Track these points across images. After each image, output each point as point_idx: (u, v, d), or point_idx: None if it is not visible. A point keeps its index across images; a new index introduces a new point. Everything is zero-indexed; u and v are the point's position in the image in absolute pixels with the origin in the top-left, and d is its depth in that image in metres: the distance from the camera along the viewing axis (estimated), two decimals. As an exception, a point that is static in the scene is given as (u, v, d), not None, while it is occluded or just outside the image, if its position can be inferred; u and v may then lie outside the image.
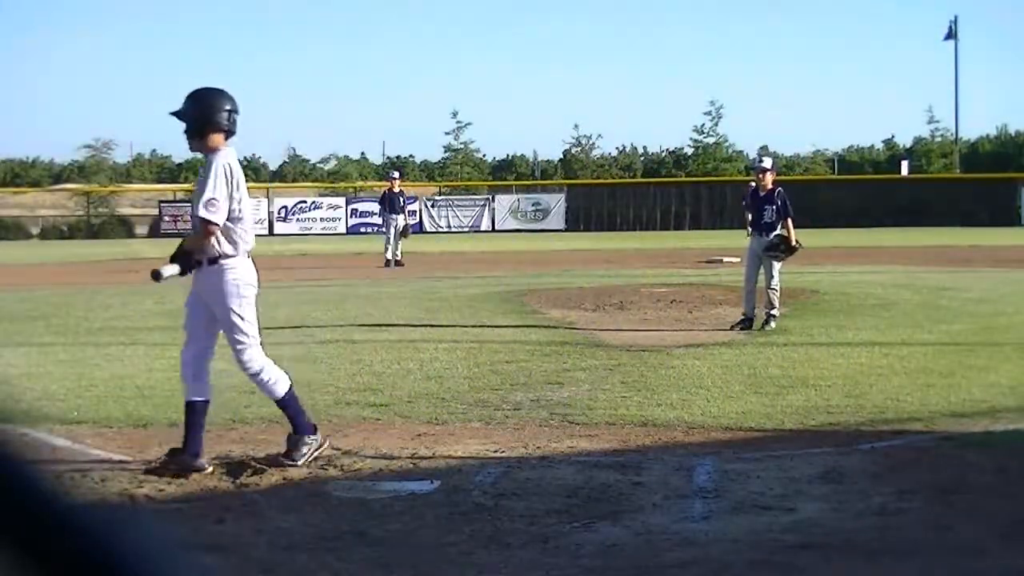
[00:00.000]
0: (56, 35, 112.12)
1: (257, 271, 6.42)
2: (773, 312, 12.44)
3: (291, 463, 6.11)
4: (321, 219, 49.81)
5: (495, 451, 6.53)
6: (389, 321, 13.47)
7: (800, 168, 67.84)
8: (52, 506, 0.92)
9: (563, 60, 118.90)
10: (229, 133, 6.27)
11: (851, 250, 29.75)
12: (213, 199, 6.08)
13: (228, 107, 6.25)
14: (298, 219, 49.63)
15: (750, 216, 13.04)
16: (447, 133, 69.10)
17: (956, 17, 59.79)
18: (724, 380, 8.91)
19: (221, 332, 6.41)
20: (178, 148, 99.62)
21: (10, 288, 19.50)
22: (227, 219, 6.11)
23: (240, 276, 6.23)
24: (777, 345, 10.96)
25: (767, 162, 13.25)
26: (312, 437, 6.26)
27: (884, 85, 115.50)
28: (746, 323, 12.34)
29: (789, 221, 12.74)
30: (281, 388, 6.32)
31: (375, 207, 33.76)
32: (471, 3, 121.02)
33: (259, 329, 6.41)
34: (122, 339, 11.85)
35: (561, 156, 70.79)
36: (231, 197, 6.12)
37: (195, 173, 62.92)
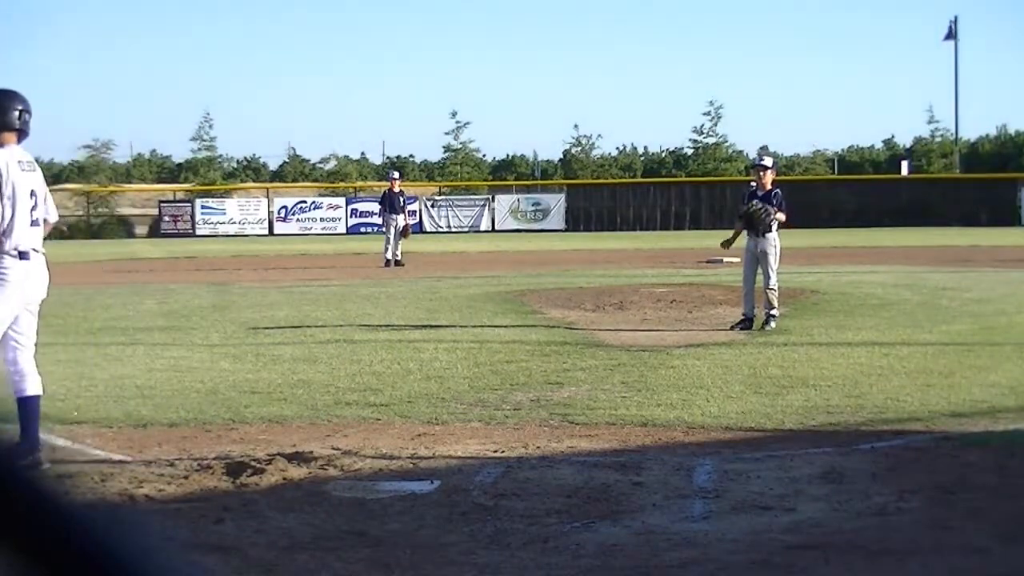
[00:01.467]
0: (56, 35, 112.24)
1: (49, 273, 6.43)
2: (772, 312, 12.44)
3: None
4: (321, 219, 49.81)
5: (495, 451, 6.53)
6: (389, 321, 13.47)
7: (800, 168, 67.82)
8: (52, 506, 0.92)
9: (563, 60, 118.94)
10: (22, 133, 6.33)
11: (851, 250, 29.76)
12: None
13: (20, 107, 6.30)
14: (298, 219, 49.63)
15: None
16: (447, 133, 68.98)
17: (956, 17, 59.80)
18: (724, 380, 8.91)
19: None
20: (178, 148, 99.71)
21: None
22: None
23: (6, 276, 6.20)
24: (777, 345, 10.97)
25: (768, 160, 13.17)
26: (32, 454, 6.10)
27: (884, 85, 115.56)
28: (746, 323, 12.35)
29: (780, 213, 12.57)
30: (32, 389, 6.26)
31: (375, 207, 33.79)
32: (471, 3, 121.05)
33: (34, 332, 6.37)
34: (122, 339, 11.85)
35: (561, 156, 70.76)
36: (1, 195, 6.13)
37: (195, 173, 62.46)
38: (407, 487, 5.71)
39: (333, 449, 6.51)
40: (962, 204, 47.80)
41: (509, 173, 69.32)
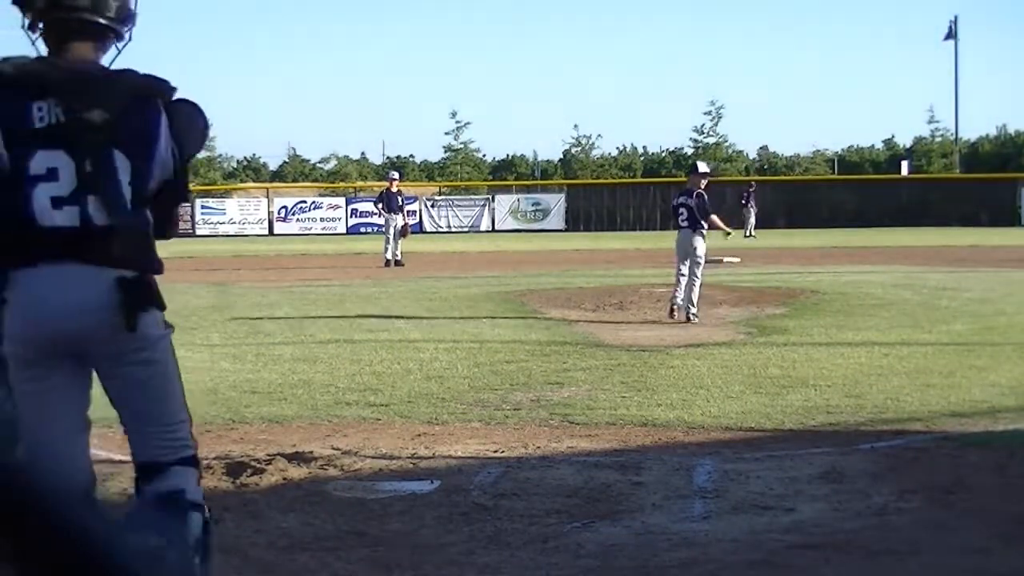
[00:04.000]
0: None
1: None
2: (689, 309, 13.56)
3: None
4: (321, 219, 49.82)
5: (495, 451, 6.53)
6: (389, 321, 13.47)
7: (800, 168, 67.85)
8: (53, 507, 0.92)
9: (563, 60, 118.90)
10: None
11: (851, 250, 29.76)
12: None
13: None
14: (298, 219, 49.63)
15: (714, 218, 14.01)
16: (447, 133, 69.12)
17: (956, 17, 59.91)
18: (724, 380, 8.91)
19: None
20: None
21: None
22: None
23: None
24: (777, 345, 10.97)
25: (702, 166, 14.51)
26: None
27: (884, 85, 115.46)
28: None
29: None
30: None
31: (372, 206, 33.83)
32: (471, 3, 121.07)
33: None
34: (122, 339, 11.84)
35: (561, 156, 70.85)
36: None
37: (195, 173, 62.84)
38: (407, 487, 5.71)
39: (333, 449, 6.51)
40: (962, 204, 47.86)
41: (509, 173, 69.36)
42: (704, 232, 13.64)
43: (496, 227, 49.48)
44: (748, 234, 38.16)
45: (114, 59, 3.18)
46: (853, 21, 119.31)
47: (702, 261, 13.61)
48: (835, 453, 6.34)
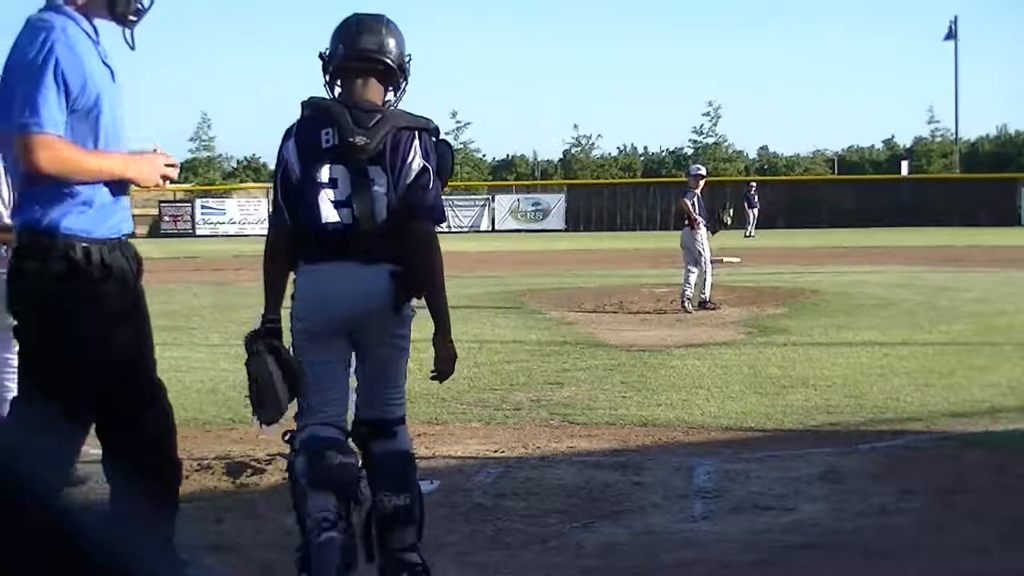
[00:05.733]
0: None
1: None
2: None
3: None
4: (321, 219, 49.81)
5: (495, 451, 6.53)
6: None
7: (800, 168, 67.86)
8: (53, 508, 0.92)
9: (563, 59, 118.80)
10: None
11: (851, 250, 29.77)
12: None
13: None
14: (298, 219, 49.60)
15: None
16: (447, 133, 68.64)
17: (956, 17, 59.84)
18: (724, 380, 8.91)
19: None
20: (177, 148, 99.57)
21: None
22: None
23: None
24: (777, 345, 10.97)
25: (703, 170, 15.91)
26: None
27: (884, 85, 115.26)
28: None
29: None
30: None
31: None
32: (471, 3, 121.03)
33: None
34: (122, 339, 11.83)
35: (561, 156, 70.83)
36: None
37: (195, 174, 62.65)
38: (407, 487, 5.70)
39: (333, 449, 6.50)
40: (962, 204, 47.81)
41: (509, 173, 69.34)
42: (700, 227, 14.84)
43: (496, 227, 49.49)
44: (748, 234, 38.23)
45: (397, 100, 4.10)
46: (852, 21, 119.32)
47: (703, 254, 14.72)
48: (835, 453, 6.34)
